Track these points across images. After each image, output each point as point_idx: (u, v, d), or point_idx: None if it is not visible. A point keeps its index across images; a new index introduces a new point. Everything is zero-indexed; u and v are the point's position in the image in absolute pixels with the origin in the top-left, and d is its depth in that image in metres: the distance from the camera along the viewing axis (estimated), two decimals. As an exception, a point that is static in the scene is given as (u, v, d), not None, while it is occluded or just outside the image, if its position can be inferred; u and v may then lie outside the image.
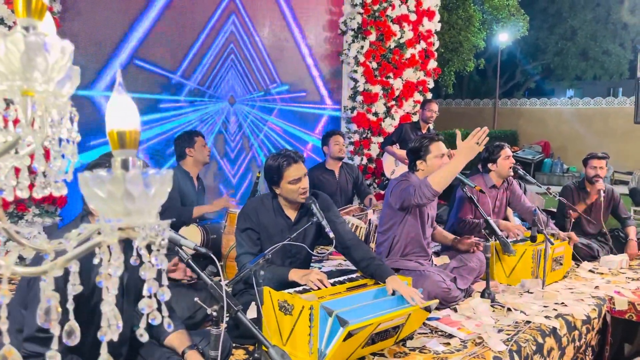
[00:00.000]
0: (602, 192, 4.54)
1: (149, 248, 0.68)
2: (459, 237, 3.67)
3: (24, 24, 0.65)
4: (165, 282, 0.67)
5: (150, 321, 0.68)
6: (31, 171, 0.74)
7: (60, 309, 0.71)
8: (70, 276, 0.70)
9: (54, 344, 0.64)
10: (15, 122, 0.73)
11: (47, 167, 0.77)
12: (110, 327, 0.63)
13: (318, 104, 6.50)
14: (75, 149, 0.81)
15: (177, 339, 1.99)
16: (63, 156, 0.78)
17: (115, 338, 0.63)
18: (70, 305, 0.70)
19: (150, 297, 0.65)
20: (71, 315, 0.70)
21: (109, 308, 0.63)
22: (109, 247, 0.66)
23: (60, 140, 0.83)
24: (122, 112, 0.64)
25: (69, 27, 4.05)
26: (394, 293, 2.56)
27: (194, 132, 4.16)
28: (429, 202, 3.16)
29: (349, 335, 2.19)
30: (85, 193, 0.61)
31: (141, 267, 0.63)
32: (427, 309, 2.56)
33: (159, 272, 0.68)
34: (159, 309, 0.68)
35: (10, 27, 3.58)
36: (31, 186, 0.76)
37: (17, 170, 0.77)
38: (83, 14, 4.22)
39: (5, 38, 0.62)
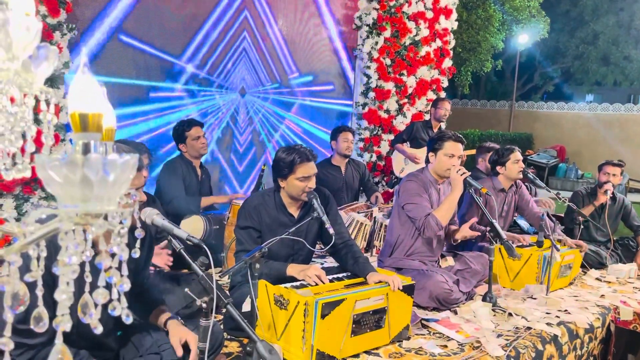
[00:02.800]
0: (609, 192, 4.49)
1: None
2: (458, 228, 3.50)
3: (-10, -1, 0.63)
4: (125, 272, 0.64)
5: (110, 312, 0.66)
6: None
7: (29, 294, 0.69)
8: (30, 261, 0.68)
9: (7, 331, 0.62)
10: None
11: (16, 148, 0.76)
12: (64, 316, 0.61)
13: (330, 99, 6.46)
14: (50, 131, 0.79)
15: (159, 311, 2.03)
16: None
17: (68, 328, 0.61)
18: (39, 292, 0.68)
19: (107, 287, 0.62)
20: (40, 302, 0.68)
21: (62, 297, 0.60)
22: (69, 233, 0.64)
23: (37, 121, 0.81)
24: (85, 94, 0.61)
25: (82, 13, 4.04)
26: None
27: (185, 126, 3.99)
28: (436, 235, 3.31)
29: (327, 312, 2.23)
30: (42, 176, 0.59)
31: (98, 256, 0.61)
32: (408, 292, 2.58)
33: (120, 262, 0.66)
34: (119, 300, 0.65)
35: None
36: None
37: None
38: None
39: (-32, 13, 0.60)
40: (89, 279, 0.67)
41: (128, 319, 0.64)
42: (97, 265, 0.63)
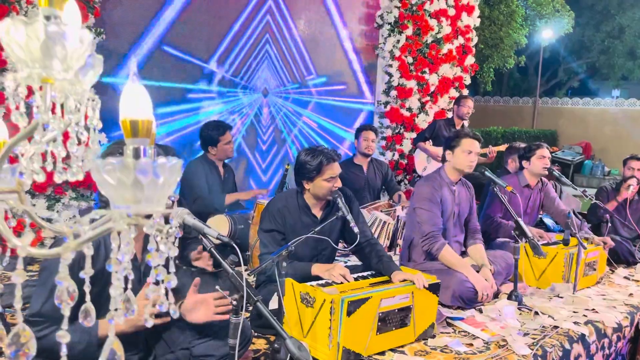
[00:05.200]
0: (632, 187, 4.44)
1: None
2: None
3: (46, 13, 0.67)
4: (172, 269, 0.68)
5: (158, 307, 0.70)
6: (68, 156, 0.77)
7: (77, 291, 0.73)
8: (85, 260, 0.72)
9: (64, 324, 0.66)
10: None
11: (70, 152, 0.80)
12: (118, 311, 0.65)
13: (352, 99, 6.47)
14: (96, 136, 0.83)
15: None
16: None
17: (121, 321, 0.65)
18: (87, 288, 0.72)
19: (157, 283, 0.66)
20: (87, 297, 0.72)
21: (117, 292, 0.64)
22: (119, 233, 0.68)
23: (87, 127, 0.86)
24: (135, 102, 0.65)
25: (109, 17, 4.14)
26: None
27: (220, 129, 4.00)
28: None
29: (352, 310, 2.26)
30: (97, 179, 0.63)
31: (148, 254, 0.65)
32: (434, 290, 2.59)
33: (167, 259, 0.69)
34: (167, 296, 0.69)
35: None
36: (50, 173, 0.78)
37: (44, 156, 0.80)
38: (124, 3, 4.31)
39: (27, 26, 0.64)
40: (131, 276, 0.71)
41: (175, 313, 0.68)
42: (147, 263, 0.67)
